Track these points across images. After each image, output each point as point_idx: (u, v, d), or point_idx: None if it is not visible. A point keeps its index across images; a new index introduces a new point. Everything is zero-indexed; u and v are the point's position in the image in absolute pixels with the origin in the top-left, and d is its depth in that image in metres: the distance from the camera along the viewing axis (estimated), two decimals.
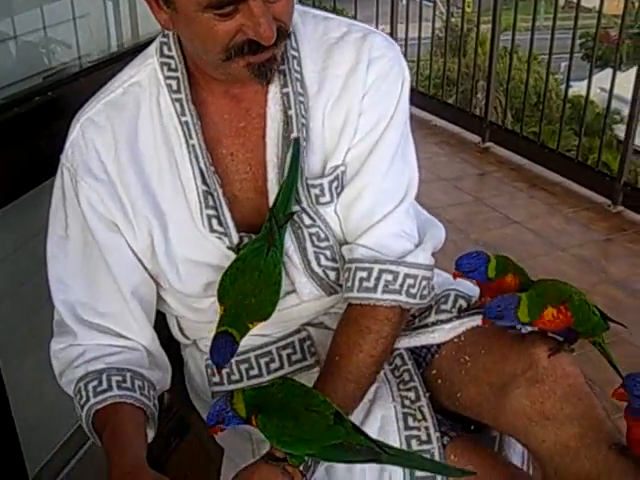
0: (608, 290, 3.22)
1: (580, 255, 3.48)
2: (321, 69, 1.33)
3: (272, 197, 1.32)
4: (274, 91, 1.30)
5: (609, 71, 4.84)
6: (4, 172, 1.44)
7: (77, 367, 1.34)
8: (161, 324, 1.51)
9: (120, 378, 1.32)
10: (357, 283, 1.34)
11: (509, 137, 4.62)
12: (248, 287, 1.25)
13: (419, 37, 5.11)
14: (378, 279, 1.33)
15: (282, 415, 1.13)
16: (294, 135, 1.29)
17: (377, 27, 5.33)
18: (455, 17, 6.79)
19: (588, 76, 4.27)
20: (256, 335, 1.42)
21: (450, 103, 5.10)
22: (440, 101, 5.08)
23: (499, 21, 4.55)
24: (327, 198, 1.34)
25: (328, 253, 1.38)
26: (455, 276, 1.37)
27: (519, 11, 4.42)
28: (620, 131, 4.84)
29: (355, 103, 1.32)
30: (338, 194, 1.35)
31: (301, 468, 1.21)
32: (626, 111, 3.97)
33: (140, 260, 1.36)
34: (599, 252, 3.59)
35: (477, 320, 1.41)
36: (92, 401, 1.29)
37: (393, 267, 1.33)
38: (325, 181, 1.33)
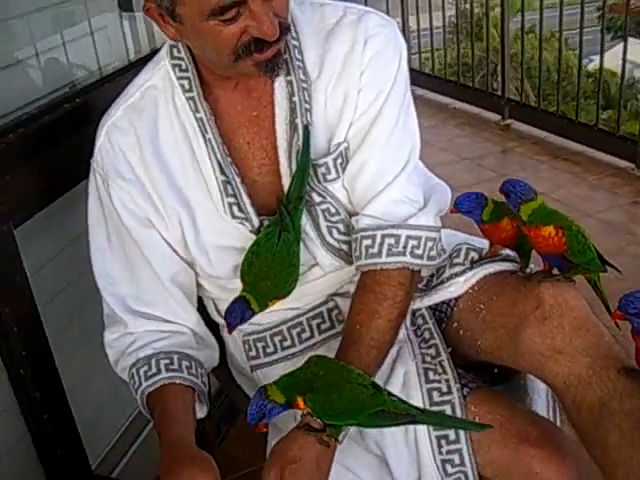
0: (636, 250, 3.25)
1: (606, 219, 3.52)
2: (321, 54, 1.39)
3: (285, 180, 1.40)
4: (280, 80, 1.37)
5: (631, 41, 4.86)
6: (39, 176, 1.53)
7: (129, 355, 1.44)
8: (200, 309, 1.60)
9: (168, 361, 1.41)
10: (363, 251, 1.40)
11: (528, 112, 4.64)
12: (263, 269, 1.36)
13: (431, 26, 5.20)
14: (382, 244, 1.39)
15: (327, 391, 1.20)
16: (298, 120, 1.37)
17: None
18: (467, 3, 6.79)
19: (600, 47, 4.28)
20: (287, 309, 1.53)
21: (468, 85, 5.12)
22: (457, 84, 5.12)
23: (508, 1, 4.59)
24: (333, 175, 1.42)
25: (340, 226, 1.45)
26: (452, 212, 1.43)
27: None
28: None
29: (354, 81, 1.38)
30: (343, 170, 1.42)
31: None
32: None
33: (175, 250, 1.45)
34: (625, 215, 3.62)
35: (489, 268, 1.48)
36: (144, 385, 1.39)
37: (394, 231, 1.39)
38: (329, 159, 1.40)
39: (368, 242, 1.40)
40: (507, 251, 1.53)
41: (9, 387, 1.56)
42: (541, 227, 1.31)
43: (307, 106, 1.38)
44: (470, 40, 5.52)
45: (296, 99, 1.37)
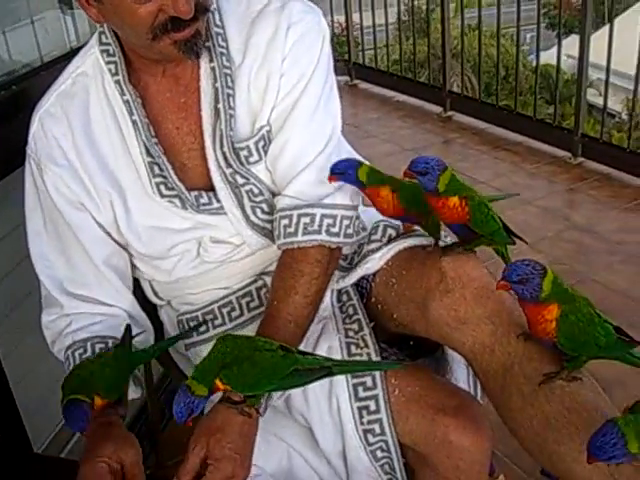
0: (573, 235, 3.36)
1: (545, 206, 3.61)
2: (245, 40, 1.43)
3: (211, 163, 1.44)
4: (205, 67, 1.41)
5: (573, 37, 4.98)
6: None
7: (65, 336, 1.47)
8: (137, 291, 1.63)
9: (103, 345, 1.44)
10: (282, 230, 1.44)
11: (469, 104, 4.75)
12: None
13: (373, 22, 5.27)
14: (298, 223, 1.43)
15: (239, 364, 1.22)
16: (220, 106, 1.41)
17: (332, 18, 5.45)
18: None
19: (536, 44, 4.39)
20: (218, 288, 1.58)
21: (410, 78, 5.21)
22: (400, 77, 5.20)
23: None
24: (255, 157, 1.46)
25: (264, 206, 1.49)
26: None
27: None
28: (590, 95, 4.92)
29: (276, 66, 1.42)
30: (266, 152, 1.47)
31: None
32: (594, 75, 4.10)
33: (108, 233, 1.49)
34: (563, 202, 3.73)
35: (403, 244, 1.53)
36: None
37: (310, 210, 1.43)
38: (251, 142, 1.45)
39: (286, 222, 1.44)
40: None
41: None
42: (448, 197, 1.34)
43: (230, 92, 1.42)
44: (413, 36, 5.59)
45: (218, 85, 1.41)
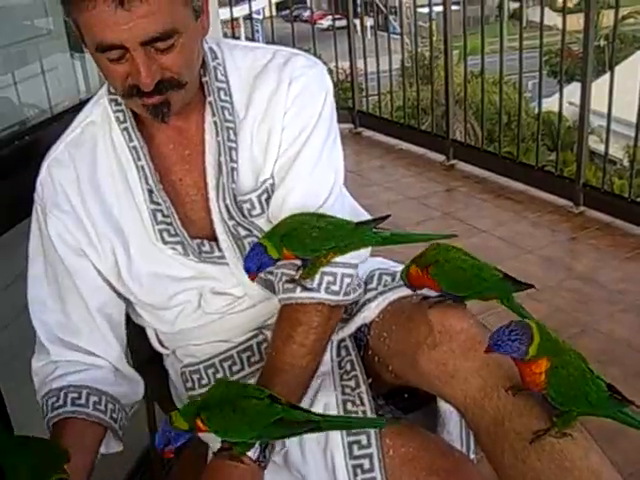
0: (574, 285, 3.37)
1: (546, 255, 3.63)
2: (248, 95, 1.47)
3: (215, 216, 1.46)
4: (209, 120, 1.45)
5: (574, 85, 5.03)
6: None
7: (45, 384, 1.49)
8: (143, 338, 1.67)
9: (76, 395, 1.46)
10: (281, 286, 1.45)
11: (472, 153, 4.78)
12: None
13: (378, 69, 5.34)
14: (320, 281, 1.43)
15: (221, 407, 1.24)
16: (222, 159, 1.43)
17: (337, 64, 5.53)
18: (419, 47, 6.97)
19: (538, 91, 4.44)
20: (219, 341, 1.60)
21: (413, 126, 5.26)
22: (403, 125, 5.25)
23: (451, 48, 4.74)
24: (258, 210, 1.49)
25: None
26: (251, 279, 1.41)
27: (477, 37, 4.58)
28: (592, 142, 4.97)
29: (278, 120, 1.45)
30: (269, 205, 1.49)
31: (254, 456, 1.32)
32: (595, 122, 4.14)
33: (107, 280, 1.51)
34: (564, 251, 3.75)
35: (398, 293, 1.54)
36: (49, 415, 1.44)
37: (331, 268, 1.43)
38: (254, 196, 1.47)
39: (286, 278, 1.45)
40: None
41: None
42: (410, 270, 1.41)
43: (232, 145, 1.44)
44: (417, 83, 5.66)
45: (220, 139, 1.44)
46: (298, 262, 1.43)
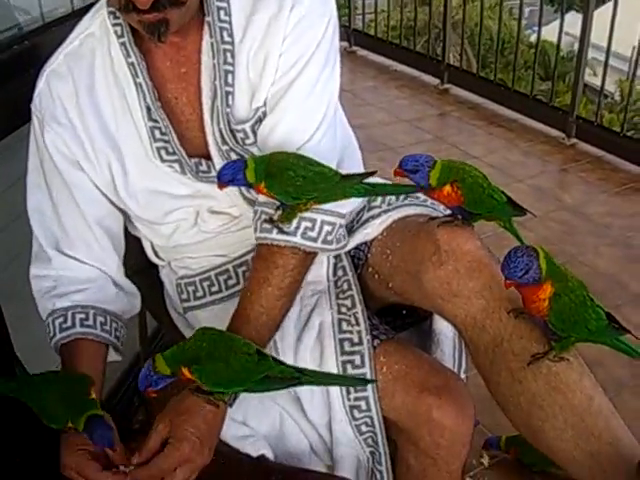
0: (562, 216, 3.40)
1: (536, 185, 3.65)
2: (247, 17, 1.41)
3: (209, 137, 1.44)
4: (207, 40, 1.40)
5: (572, 15, 4.96)
6: None
7: (48, 300, 1.49)
8: (139, 250, 1.67)
9: (83, 316, 1.46)
10: (259, 224, 1.41)
11: (467, 78, 4.75)
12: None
13: None
14: (298, 225, 1.39)
15: (213, 362, 1.24)
16: (216, 83, 1.40)
17: None
18: None
19: (539, 19, 4.38)
20: (216, 256, 1.60)
21: (409, 48, 5.20)
22: (399, 46, 5.18)
23: None
24: (252, 140, 1.45)
25: None
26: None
27: None
28: (588, 75, 4.92)
29: (276, 45, 1.39)
30: None
31: (229, 401, 1.33)
32: (590, 54, 4.09)
33: (104, 194, 1.50)
34: (554, 182, 3.78)
35: (403, 212, 1.53)
36: (58, 336, 1.45)
37: (312, 214, 1.39)
38: (247, 125, 1.43)
39: (265, 216, 1.42)
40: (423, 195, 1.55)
41: None
42: (442, 188, 1.36)
43: (229, 68, 1.41)
44: (414, 2, 5.58)
45: (215, 61, 1.40)
46: (277, 202, 1.40)
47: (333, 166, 1.41)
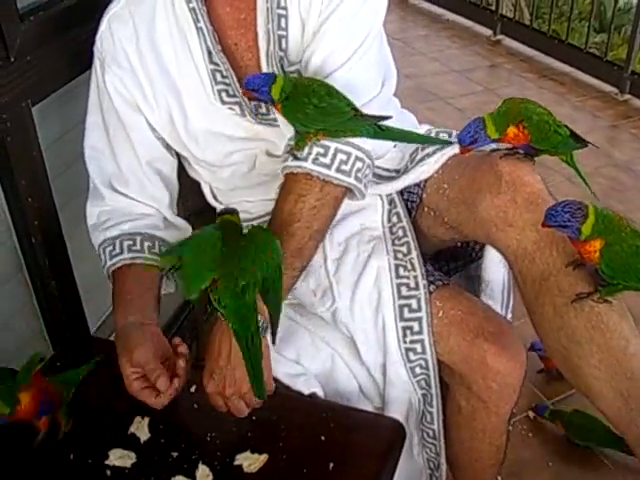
0: (611, 172, 3.39)
1: None
2: None
3: None
4: None
5: None
6: (56, 59, 1.60)
7: (100, 232, 1.56)
8: (198, 193, 1.73)
9: (131, 242, 1.52)
10: (284, 155, 1.43)
11: (520, 29, 4.70)
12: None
13: None
14: (310, 151, 1.40)
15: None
16: (269, 26, 1.42)
17: None
18: None
19: None
20: (272, 200, 1.55)
21: None
22: None
23: None
24: None
25: None
26: (244, 94, 1.43)
27: None
28: None
29: None
30: None
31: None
32: None
33: (161, 138, 1.56)
34: (604, 138, 3.74)
35: (457, 149, 1.51)
36: (108, 263, 1.51)
37: (327, 142, 1.40)
38: (300, 67, 1.46)
39: (288, 147, 1.44)
40: None
41: (19, 256, 1.65)
42: (506, 131, 1.39)
43: (282, 12, 1.43)
44: None
45: (269, 5, 1.42)
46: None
47: (362, 100, 1.41)
